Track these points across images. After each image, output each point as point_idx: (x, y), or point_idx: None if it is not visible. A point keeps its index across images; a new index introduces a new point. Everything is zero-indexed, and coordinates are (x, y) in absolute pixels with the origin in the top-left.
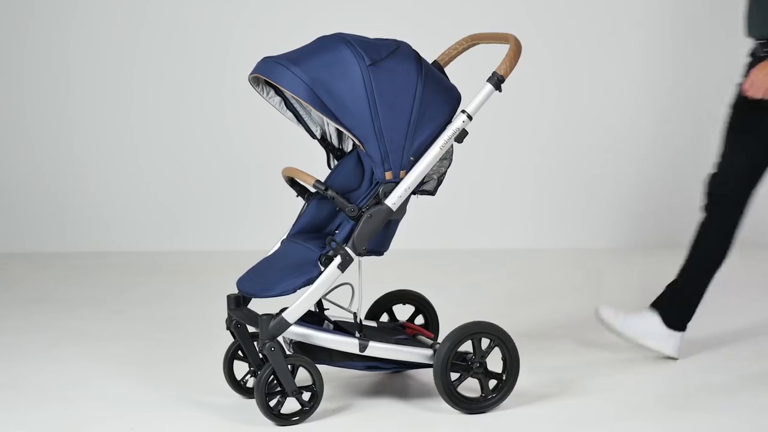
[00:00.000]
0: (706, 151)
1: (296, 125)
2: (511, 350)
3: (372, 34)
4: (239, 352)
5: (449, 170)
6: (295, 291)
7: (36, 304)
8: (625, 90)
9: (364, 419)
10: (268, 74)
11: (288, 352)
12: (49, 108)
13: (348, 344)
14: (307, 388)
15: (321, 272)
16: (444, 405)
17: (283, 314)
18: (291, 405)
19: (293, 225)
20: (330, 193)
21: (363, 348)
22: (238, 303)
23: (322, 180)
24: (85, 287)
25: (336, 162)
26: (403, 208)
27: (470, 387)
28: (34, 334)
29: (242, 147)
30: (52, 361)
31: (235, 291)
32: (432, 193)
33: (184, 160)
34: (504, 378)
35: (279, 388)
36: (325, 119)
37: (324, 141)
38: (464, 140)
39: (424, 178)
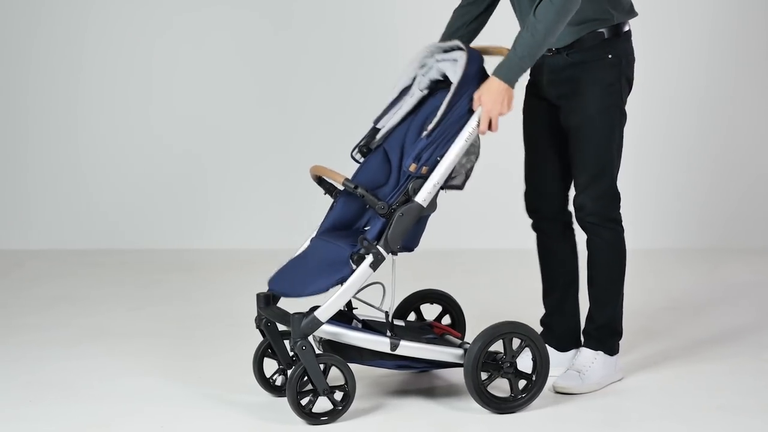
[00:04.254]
0: (712, 150)
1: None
2: (541, 351)
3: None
4: (269, 351)
5: (477, 165)
6: (327, 290)
7: (56, 302)
8: (640, 92)
9: (394, 418)
10: (471, 53)
11: (317, 351)
12: (65, 106)
13: (379, 343)
14: (339, 387)
15: (353, 270)
16: (473, 404)
17: (315, 313)
18: (322, 404)
19: (321, 223)
20: (360, 190)
21: (394, 347)
22: (267, 302)
23: (350, 178)
24: (103, 285)
25: (359, 156)
26: (433, 204)
27: (498, 386)
28: (56, 331)
29: (259, 145)
30: (75, 358)
31: (264, 290)
32: (460, 187)
33: (201, 158)
34: (534, 378)
35: (311, 387)
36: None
37: (374, 130)
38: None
39: (452, 173)
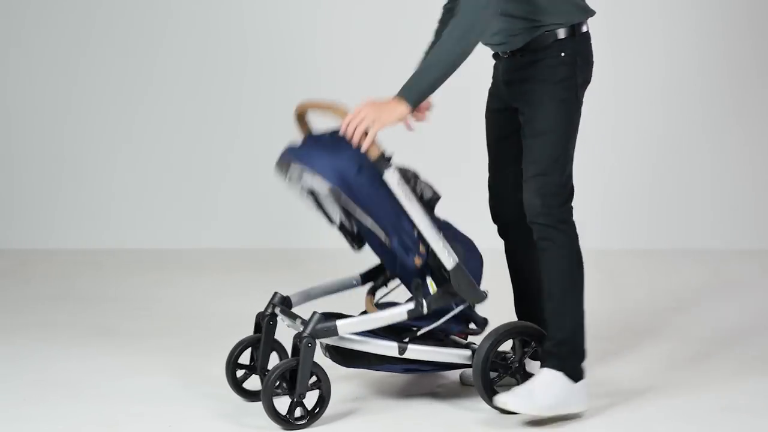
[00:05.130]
0: (721, 153)
1: (315, 211)
2: None
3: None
4: (242, 355)
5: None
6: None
7: (60, 301)
8: (642, 90)
9: (401, 418)
10: (305, 161)
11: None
12: (66, 105)
13: (387, 347)
14: (315, 385)
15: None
16: (481, 404)
17: (337, 323)
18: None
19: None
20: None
21: (402, 351)
22: (284, 302)
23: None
24: (106, 284)
25: (357, 247)
26: (455, 249)
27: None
28: (62, 331)
29: (264, 144)
30: (81, 358)
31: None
32: (439, 196)
33: (205, 158)
34: None
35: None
36: (351, 208)
37: (343, 228)
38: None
39: (421, 196)
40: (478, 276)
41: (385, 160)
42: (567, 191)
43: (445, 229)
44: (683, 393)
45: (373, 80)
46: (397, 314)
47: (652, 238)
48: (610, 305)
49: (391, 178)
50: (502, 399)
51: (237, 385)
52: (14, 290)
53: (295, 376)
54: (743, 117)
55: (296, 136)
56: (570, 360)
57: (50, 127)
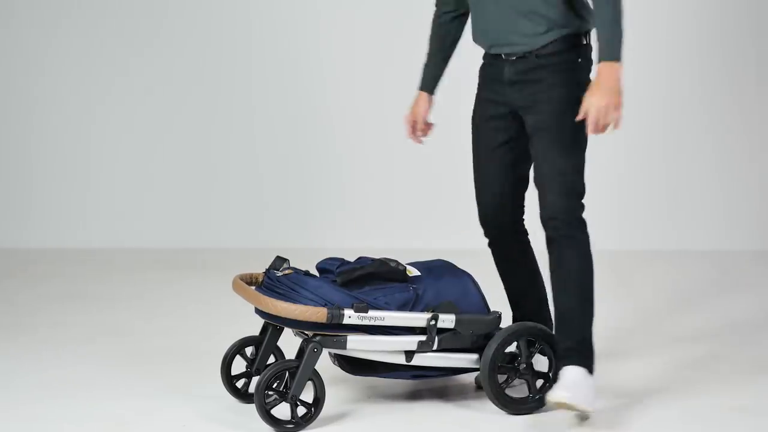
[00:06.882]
0: (727, 155)
1: None
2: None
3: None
4: (239, 354)
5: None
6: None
7: (70, 300)
8: (645, 91)
9: (409, 419)
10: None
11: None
12: (72, 105)
13: (393, 355)
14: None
15: None
16: (488, 405)
17: (348, 338)
18: (284, 410)
19: None
20: None
21: (409, 358)
22: None
23: None
24: (117, 283)
25: None
26: (448, 291)
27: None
28: (72, 330)
29: (272, 143)
30: (92, 357)
31: None
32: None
33: (214, 158)
34: (551, 376)
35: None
36: None
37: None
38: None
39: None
40: (479, 303)
41: (339, 315)
42: (583, 192)
43: (425, 281)
44: (692, 394)
45: (374, 80)
46: (408, 342)
47: (660, 239)
48: (619, 305)
49: (352, 320)
50: (558, 394)
51: (234, 387)
52: (23, 289)
53: (290, 378)
54: (749, 117)
55: (296, 140)
56: (590, 357)
57: (55, 128)
